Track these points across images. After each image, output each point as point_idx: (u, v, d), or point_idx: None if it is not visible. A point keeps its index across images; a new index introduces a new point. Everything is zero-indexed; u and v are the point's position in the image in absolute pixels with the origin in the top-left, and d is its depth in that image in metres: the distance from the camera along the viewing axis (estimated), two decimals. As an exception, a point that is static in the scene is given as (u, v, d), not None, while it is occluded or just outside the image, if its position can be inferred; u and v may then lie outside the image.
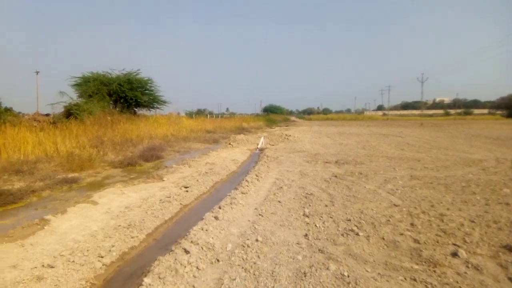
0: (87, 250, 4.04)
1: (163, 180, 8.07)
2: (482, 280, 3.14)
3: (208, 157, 12.01)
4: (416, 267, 3.42)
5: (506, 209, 5.34)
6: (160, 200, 6.33)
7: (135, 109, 24.94)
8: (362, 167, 9.43)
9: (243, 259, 3.67)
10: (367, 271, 3.35)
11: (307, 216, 5.13)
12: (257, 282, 3.16)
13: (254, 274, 3.30)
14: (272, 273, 3.32)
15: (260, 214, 5.27)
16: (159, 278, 3.26)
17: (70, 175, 8.39)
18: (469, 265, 3.43)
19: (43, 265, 3.61)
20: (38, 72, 53.29)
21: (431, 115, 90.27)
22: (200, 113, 60.58)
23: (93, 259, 3.85)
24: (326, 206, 5.69)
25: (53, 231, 4.62)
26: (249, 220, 5.00)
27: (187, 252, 3.83)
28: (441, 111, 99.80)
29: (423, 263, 3.51)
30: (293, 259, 3.66)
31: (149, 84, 24.70)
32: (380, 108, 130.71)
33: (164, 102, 26.41)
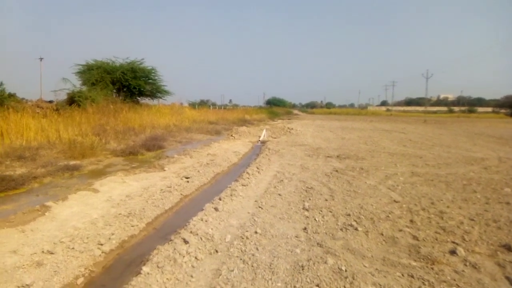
0: (87, 238, 4.06)
1: (164, 170, 8.08)
2: (480, 278, 3.14)
3: (209, 148, 12.02)
4: (414, 263, 3.43)
5: (506, 209, 5.34)
6: (161, 189, 6.35)
7: (138, 98, 24.93)
8: (363, 162, 9.42)
9: (241, 250, 3.69)
10: (364, 266, 3.36)
11: (307, 210, 5.14)
12: (255, 273, 3.17)
13: (252, 266, 3.32)
14: (270, 265, 3.34)
15: (260, 207, 5.28)
16: (158, 267, 3.27)
17: (72, 162, 8.41)
18: (467, 263, 3.43)
19: (43, 251, 3.64)
20: (42, 58, 53.29)
21: (434, 112, 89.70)
22: (203, 104, 60.48)
23: (93, 246, 3.88)
24: (326, 200, 5.70)
25: (53, 218, 4.65)
26: (248, 212, 5.02)
27: (186, 242, 3.85)
28: (445, 108, 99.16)
29: (421, 260, 3.51)
30: (291, 252, 3.67)
31: (152, 74, 24.66)
32: (383, 103, 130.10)
33: (167, 92, 26.38)
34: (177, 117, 22.60)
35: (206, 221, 4.53)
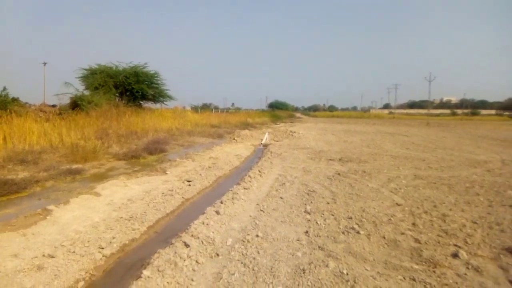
0: (88, 241, 4.06)
1: (166, 174, 8.09)
2: (482, 282, 3.11)
3: (212, 152, 12.02)
4: (416, 267, 3.41)
5: (509, 211, 5.30)
6: (163, 193, 6.35)
7: (141, 102, 24.98)
8: (365, 166, 9.39)
9: (242, 254, 3.68)
10: (366, 269, 3.34)
11: (309, 213, 5.12)
12: (256, 277, 3.16)
13: (253, 270, 3.30)
14: (271, 269, 3.32)
15: (261, 210, 5.27)
16: (158, 270, 3.27)
17: (74, 166, 8.43)
18: (470, 267, 3.41)
19: (43, 255, 3.64)
20: (45, 63, 53.52)
21: (438, 115, 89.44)
22: (205, 107, 60.64)
23: (94, 250, 3.88)
24: (328, 203, 5.68)
25: (55, 222, 4.65)
26: (250, 216, 5.00)
27: (187, 245, 3.84)
28: (448, 111, 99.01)
29: (423, 263, 3.49)
30: (292, 255, 3.66)
31: (155, 78, 24.71)
32: (386, 106, 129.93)
33: (170, 97, 26.42)
34: (180, 120, 22.63)
35: (207, 224, 4.52)
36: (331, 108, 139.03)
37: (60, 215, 4.90)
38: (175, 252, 3.66)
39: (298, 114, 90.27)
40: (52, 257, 3.61)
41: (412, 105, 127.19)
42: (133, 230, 4.58)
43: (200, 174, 8.10)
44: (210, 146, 13.89)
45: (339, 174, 8.15)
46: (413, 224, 4.67)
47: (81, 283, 3.28)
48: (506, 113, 77.50)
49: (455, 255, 3.65)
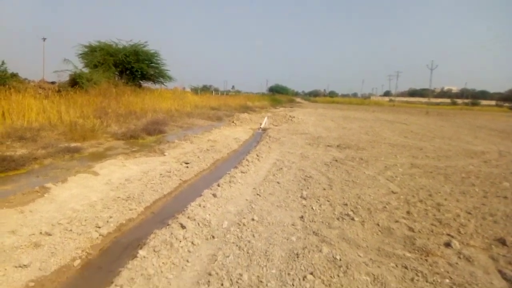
0: (85, 220, 4.09)
1: (165, 155, 8.10)
2: (472, 271, 3.17)
3: (210, 134, 12.02)
4: (408, 255, 3.46)
5: (504, 203, 5.35)
6: (160, 174, 6.37)
7: (140, 82, 24.76)
8: (363, 153, 9.42)
9: (238, 237, 3.72)
10: (359, 255, 3.39)
11: (305, 199, 5.16)
12: (250, 260, 3.21)
13: (247, 253, 3.35)
14: (266, 252, 3.37)
15: (258, 194, 5.30)
16: (154, 251, 3.31)
17: (73, 144, 8.42)
18: (461, 256, 3.46)
19: (41, 232, 3.67)
20: (45, 39, 52.93)
21: (438, 104, 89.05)
22: (205, 89, 60.27)
23: (90, 229, 3.91)
24: (324, 189, 5.71)
25: (52, 199, 4.68)
26: (246, 199, 5.04)
27: (183, 227, 3.88)
28: (448, 100, 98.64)
29: (416, 251, 3.54)
30: (287, 239, 3.70)
31: (155, 57, 24.43)
32: (387, 93, 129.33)
33: (170, 77, 26.19)
34: (179, 102, 22.49)
35: (204, 207, 4.55)
36: (332, 94, 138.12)
37: (58, 193, 4.93)
38: (171, 233, 3.70)
39: (298, 99, 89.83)
40: (49, 234, 3.65)
41: (412, 93, 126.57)
42: (130, 210, 4.61)
43: (198, 157, 8.11)
44: (209, 129, 13.88)
45: (336, 160, 8.18)
46: (408, 212, 4.72)
47: (78, 261, 3.32)
48: (506, 104, 77.30)
49: (447, 245, 3.70)
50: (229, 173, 6.49)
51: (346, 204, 4.94)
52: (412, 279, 2.99)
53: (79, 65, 19.58)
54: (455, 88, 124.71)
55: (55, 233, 3.69)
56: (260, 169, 7.00)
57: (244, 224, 4.05)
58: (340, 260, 3.24)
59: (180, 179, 6.31)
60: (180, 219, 4.11)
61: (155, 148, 8.78)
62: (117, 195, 5.10)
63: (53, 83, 18.06)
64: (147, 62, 23.70)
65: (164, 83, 26.82)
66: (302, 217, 4.41)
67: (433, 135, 15.01)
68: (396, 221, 4.36)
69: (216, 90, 63.71)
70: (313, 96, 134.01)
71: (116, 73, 22.40)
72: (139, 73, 23.16)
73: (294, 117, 21.11)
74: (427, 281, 2.97)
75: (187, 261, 3.18)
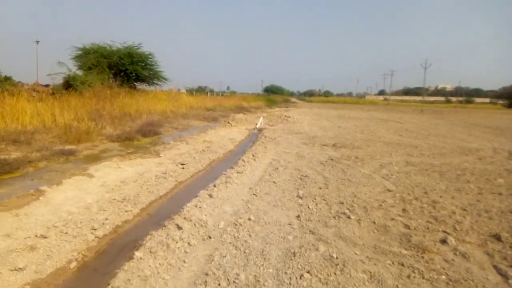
0: (81, 222, 4.07)
1: (160, 156, 8.08)
2: (468, 267, 3.19)
3: (206, 135, 12.01)
4: (404, 252, 3.47)
5: (499, 199, 5.39)
6: (156, 175, 6.35)
7: (135, 84, 24.70)
8: (358, 151, 9.44)
9: (234, 237, 3.72)
10: (356, 253, 3.39)
11: (301, 198, 5.16)
12: (247, 260, 3.20)
13: (244, 252, 3.35)
14: (262, 251, 3.37)
15: (254, 194, 5.30)
16: (151, 252, 3.30)
17: (67, 147, 8.39)
18: (457, 253, 3.48)
19: (36, 235, 3.65)
20: (38, 41, 52.63)
21: (432, 102, 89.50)
22: (200, 90, 60.25)
23: (86, 231, 3.89)
24: (320, 188, 5.72)
25: (48, 202, 4.65)
26: (243, 199, 5.04)
27: (179, 228, 3.87)
28: (442, 98, 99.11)
29: (412, 248, 3.55)
30: (283, 239, 3.70)
31: (150, 59, 24.37)
32: (381, 92, 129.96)
33: (165, 79, 26.14)
34: (174, 103, 22.45)
35: (200, 207, 4.54)
36: (327, 94, 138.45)
37: (53, 196, 4.90)
38: (168, 234, 3.69)
39: (293, 99, 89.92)
40: (45, 237, 3.63)
41: (407, 91, 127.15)
42: (126, 211, 4.59)
43: (194, 157, 8.10)
44: (204, 130, 13.87)
45: (332, 159, 8.20)
46: (404, 210, 4.74)
47: (74, 264, 3.30)
48: (500, 102, 77.71)
49: (443, 241, 3.72)
50: (225, 174, 6.48)
51: (342, 203, 4.95)
52: (408, 276, 3.00)
53: (73, 68, 19.53)
54: (449, 86, 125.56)
55: (50, 236, 3.66)
56: (256, 169, 7.00)
57: (240, 224, 4.05)
58: (336, 258, 3.25)
59: (176, 180, 6.29)
60: (176, 220, 4.10)
61: (151, 149, 8.76)
62: (113, 197, 5.08)
63: (47, 86, 17.96)
64: (141, 63, 23.65)
65: (159, 84, 26.79)
66: (298, 216, 4.41)
67: (427, 133, 15.08)
68: (392, 219, 4.38)
69: (211, 91, 63.77)
70: (308, 96, 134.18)
71: (111, 75, 22.31)
72: (134, 75, 23.10)
73: (289, 117, 21.14)
74: (423, 278, 2.98)
75: (184, 261, 3.17)
